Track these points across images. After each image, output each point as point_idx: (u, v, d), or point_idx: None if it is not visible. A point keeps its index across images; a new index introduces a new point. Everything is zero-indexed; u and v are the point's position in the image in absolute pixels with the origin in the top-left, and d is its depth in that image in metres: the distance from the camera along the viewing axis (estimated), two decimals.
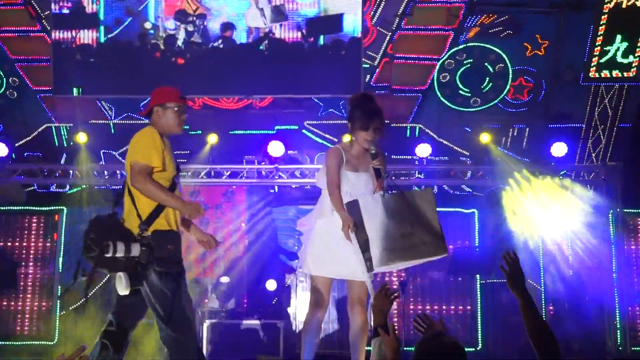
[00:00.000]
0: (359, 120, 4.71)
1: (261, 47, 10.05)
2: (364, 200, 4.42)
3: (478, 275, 10.20)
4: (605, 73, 9.93)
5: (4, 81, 10.76)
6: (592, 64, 9.90)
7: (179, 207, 4.32)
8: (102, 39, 10.24)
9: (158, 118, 4.49)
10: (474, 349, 9.98)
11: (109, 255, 4.11)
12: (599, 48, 9.80)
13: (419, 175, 10.31)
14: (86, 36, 10.24)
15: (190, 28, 10.08)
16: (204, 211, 4.41)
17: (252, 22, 10.09)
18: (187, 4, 10.09)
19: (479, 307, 10.25)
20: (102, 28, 10.24)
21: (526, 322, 3.14)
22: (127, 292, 4.17)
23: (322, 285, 4.73)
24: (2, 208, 10.65)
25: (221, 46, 10.09)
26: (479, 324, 10.21)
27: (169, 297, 4.23)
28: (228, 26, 10.09)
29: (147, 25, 10.26)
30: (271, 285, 9.63)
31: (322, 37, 10.05)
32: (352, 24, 9.92)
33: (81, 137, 10.17)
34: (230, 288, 9.61)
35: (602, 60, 9.88)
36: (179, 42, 10.10)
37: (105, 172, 10.28)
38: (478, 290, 10.29)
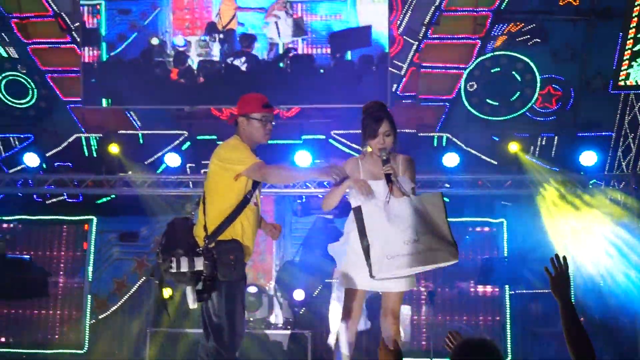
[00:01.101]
0: (368, 128, 4.66)
1: (281, 65, 10.06)
2: (367, 206, 4.37)
3: (507, 286, 10.09)
4: (633, 81, 9.81)
5: (35, 92, 10.91)
6: (622, 72, 9.79)
7: (317, 174, 4.47)
8: (104, 57, 10.30)
9: (243, 128, 4.48)
10: None
11: (174, 270, 4.15)
12: (628, 52, 9.68)
13: (447, 185, 10.23)
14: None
15: (216, 46, 10.10)
16: (340, 171, 4.24)
17: (273, 36, 10.14)
18: (219, 19, 10.15)
19: (507, 318, 10.15)
20: (104, 45, 10.31)
21: (565, 327, 3.10)
22: (195, 306, 4.23)
23: (355, 298, 4.66)
24: (32, 218, 10.78)
25: (243, 67, 10.10)
26: (508, 335, 10.10)
27: (223, 306, 4.21)
28: (249, 38, 10.12)
29: (154, 40, 10.28)
30: (299, 295, 9.62)
31: (349, 52, 10.03)
32: (380, 37, 9.88)
33: (113, 148, 10.28)
34: (258, 298, 9.61)
35: (632, 68, 9.77)
36: (190, 62, 10.11)
37: (134, 182, 10.35)
38: (507, 300, 10.19)
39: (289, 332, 9.14)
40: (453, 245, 4.30)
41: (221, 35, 10.11)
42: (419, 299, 10.24)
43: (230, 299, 4.22)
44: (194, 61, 10.16)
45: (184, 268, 4.14)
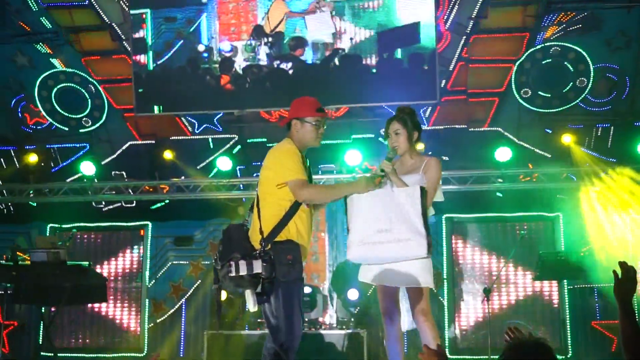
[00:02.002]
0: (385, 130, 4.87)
1: (330, 65, 10.06)
2: (357, 197, 4.50)
3: (565, 281, 9.88)
4: None
5: (89, 102, 11.16)
6: None
7: (352, 190, 4.45)
8: (151, 66, 10.44)
9: (296, 131, 4.54)
10: (563, 357, 9.67)
11: (233, 275, 4.22)
12: None
13: (500, 180, 10.08)
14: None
15: (263, 49, 10.16)
16: (376, 180, 4.39)
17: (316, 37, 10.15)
18: (266, 21, 10.22)
19: (567, 314, 9.92)
20: (150, 54, 10.45)
21: (622, 329, 3.06)
22: (255, 309, 4.29)
23: (383, 295, 4.73)
24: (90, 225, 11.02)
25: (290, 71, 10.13)
26: (568, 331, 9.88)
27: (280, 307, 4.25)
28: (299, 42, 10.15)
29: (200, 47, 10.38)
30: (353, 294, 9.60)
31: (398, 51, 9.97)
32: (427, 33, 9.79)
33: (167, 154, 10.46)
34: (312, 298, 9.62)
35: None
36: (237, 67, 10.19)
37: (188, 187, 10.49)
38: (566, 295, 9.98)
39: (344, 331, 9.12)
40: (424, 237, 4.34)
41: (270, 39, 10.17)
42: (476, 296, 10.10)
43: (288, 299, 4.25)
44: (240, 66, 10.24)
45: (243, 271, 4.18)
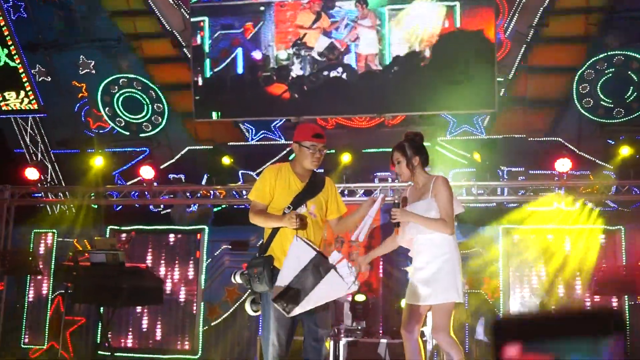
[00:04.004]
0: None
1: (390, 73, 10.05)
2: None
3: (626, 296, 9.61)
4: None
5: (150, 107, 11.40)
6: None
7: (280, 222, 4.65)
8: (208, 74, 10.58)
9: (296, 153, 4.84)
10: None
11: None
12: None
13: (559, 191, 9.89)
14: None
15: (309, 59, 10.22)
16: (297, 220, 4.54)
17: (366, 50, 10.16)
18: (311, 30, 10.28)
19: (627, 330, 9.64)
20: (207, 61, 10.59)
21: None
22: (252, 314, 4.81)
23: (406, 309, 4.93)
24: (148, 228, 11.23)
25: (344, 76, 10.16)
26: (628, 347, 9.60)
27: (262, 317, 4.69)
28: (336, 49, 10.16)
29: (257, 55, 10.48)
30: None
31: (458, 58, 9.86)
32: (487, 41, 9.68)
33: (225, 160, 10.60)
34: (365, 306, 9.59)
35: None
36: (294, 74, 10.26)
37: (244, 192, 10.60)
38: (627, 311, 9.70)
39: (395, 341, 9.06)
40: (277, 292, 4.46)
41: (314, 48, 10.25)
42: (531, 309, 9.91)
43: (264, 309, 4.66)
44: (297, 74, 10.31)
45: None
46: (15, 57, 11.25)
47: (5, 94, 11.43)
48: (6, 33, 11.13)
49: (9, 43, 11.18)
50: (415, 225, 4.83)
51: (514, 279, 10.20)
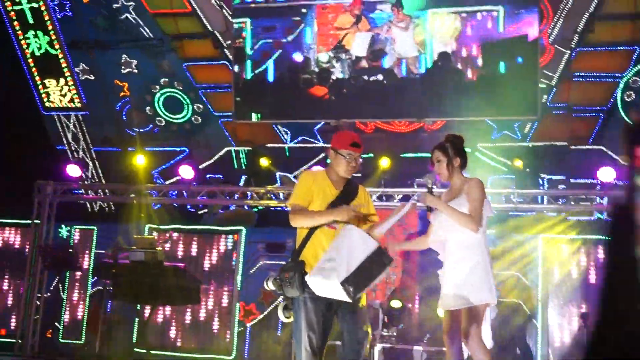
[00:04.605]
0: None
1: (429, 77, 9.98)
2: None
3: None
4: None
5: (190, 108, 11.48)
6: None
7: (329, 217, 4.60)
8: (249, 75, 10.59)
9: (332, 160, 4.84)
10: None
11: (267, 289, 4.74)
12: None
13: (601, 201, 9.72)
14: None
15: (349, 62, 10.20)
16: (353, 212, 4.54)
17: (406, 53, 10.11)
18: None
19: None
20: (249, 63, 10.61)
21: None
22: (284, 320, 4.76)
23: (445, 315, 4.90)
24: (186, 227, 11.31)
25: (385, 82, 10.13)
26: None
27: (294, 322, 4.63)
28: (377, 53, 10.12)
29: (298, 57, 10.47)
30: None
31: (501, 64, 9.76)
32: (530, 46, 9.56)
33: (263, 161, 10.63)
34: (401, 312, 9.54)
35: None
36: (334, 77, 10.24)
37: (281, 194, 10.61)
38: None
39: (432, 348, 9.00)
40: (350, 284, 4.32)
41: (353, 49, 10.22)
42: (571, 319, 9.77)
43: (295, 315, 4.62)
44: (337, 77, 10.30)
45: (268, 287, 4.69)
46: (55, 43, 11.41)
47: (46, 81, 11.63)
48: (50, 27, 11.31)
49: (50, 28, 11.34)
50: (444, 225, 4.80)
51: (553, 288, 10.04)
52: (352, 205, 4.78)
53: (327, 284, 4.40)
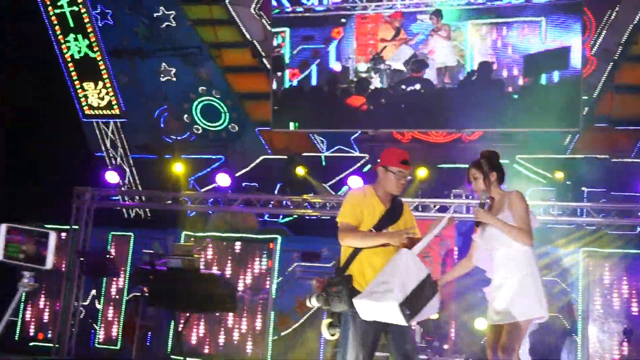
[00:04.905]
0: None
1: (467, 88, 9.90)
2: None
3: None
4: None
5: (227, 116, 11.53)
6: None
7: (382, 240, 4.59)
8: (287, 84, 10.60)
9: (381, 177, 4.81)
10: None
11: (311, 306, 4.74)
12: None
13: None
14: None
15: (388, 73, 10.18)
16: (405, 235, 4.51)
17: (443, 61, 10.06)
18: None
19: None
20: (287, 72, 10.61)
21: None
22: (328, 337, 4.74)
23: (489, 329, 4.88)
24: (222, 235, 11.34)
25: (422, 92, 10.08)
26: None
27: (340, 336, 4.61)
28: (419, 64, 10.07)
29: (337, 67, 10.45)
30: (480, 324, 9.33)
31: (542, 76, 9.65)
32: (573, 58, 9.44)
33: (300, 170, 10.63)
34: (438, 325, 9.44)
35: None
36: (372, 87, 10.21)
37: (317, 204, 10.58)
38: None
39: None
40: (404, 296, 4.28)
41: (393, 60, 10.20)
42: (612, 335, 9.59)
43: (343, 329, 4.59)
44: (376, 87, 10.27)
45: (311, 304, 4.66)
46: (94, 47, 11.54)
47: (84, 84, 11.78)
48: (89, 30, 11.45)
49: (89, 31, 11.47)
50: (489, 241, 4.75)
51: (594, 303, 9.87)
52: (399, 225, 4.75)
53: (380, 307, 4.37)
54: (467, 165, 4.93)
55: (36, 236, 3.61)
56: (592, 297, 9.86)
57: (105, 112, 11.91)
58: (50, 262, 3.53)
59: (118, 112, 11.95)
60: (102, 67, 11.66)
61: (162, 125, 11.97)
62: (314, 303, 4.64)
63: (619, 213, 9.52)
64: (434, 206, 10.14)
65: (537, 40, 9.61)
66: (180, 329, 9.61)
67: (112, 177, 11.22)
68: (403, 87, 10.16)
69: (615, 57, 9.86)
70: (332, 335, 4.66)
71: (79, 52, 11.64)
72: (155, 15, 11.28)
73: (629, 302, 9.75)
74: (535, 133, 10.29)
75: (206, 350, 10.99)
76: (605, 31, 9.85)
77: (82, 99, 11.87)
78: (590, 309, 9.81)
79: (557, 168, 10.08)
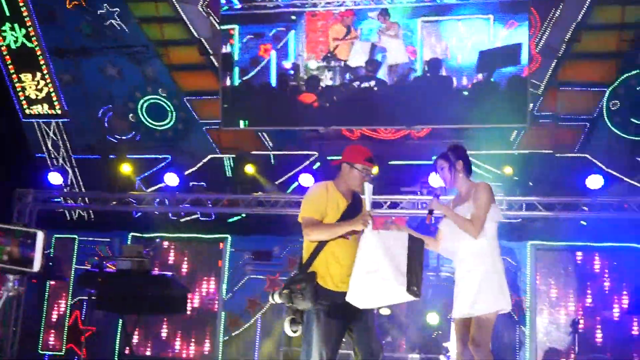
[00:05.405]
0: None
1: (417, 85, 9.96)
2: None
3: None
4: None
5: (174, 114, 11.33)
6: None
7: (348, 227, 4.54)
8: (237, 82, 10.51)
9: (344, 174, 4.78)
10: None
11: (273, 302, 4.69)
12: None
13: (584, 208, 9.79)
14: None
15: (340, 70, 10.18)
16: (370, 219, 4.43)
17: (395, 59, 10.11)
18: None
19: None
20: (236, 69, 10.51)
21: None
22: (290, 334, 4.66)
23: (456, 322, 4.92)
24: (171, 235, 11.16)
25: (375, 89, 10.11)
26: None
27: (304, 334, 4.57)
28: (374, 64, 10.11)
29: (287, 64, 10.41)
30: (433, 318, 9.42)
31: (491, 72, 9.76)
32: (523, 54, 9.61)
33: (249, 168, 10.53)
34: (390, 321, 9.49)
35: None
36: (323, 84, 10.20)
37: (268, 202, 10.51)
38: None
39: (421, 356, 8.96)
40: (410, 282, 4.26)
41: (350, 61, 10.20)
42: (560, 327, 9.81)
43: (306, 327, 4.55)
44: (327, 84, 10.24)
45: (274, 300, 4.62)
46: (32, 38, 11.16)
47: (22, 75, 11.38)
48: (27, 21, 11.07)
49: (27, 21, 11.07)
50: (455, 232, 4.79)
51: (542, 295, 10.08)
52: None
53: (383, 294, 4.33)
54: (416, 162, 4.99)
55: (22, 236, 3.37)
56: (540, 289, 10.07)
57: (45, 107, 11.49)
58: (38, 264, 3.32)
59: (60, 112, 11.62)
60: (42, 61, 11.27)
61: (106, 125, 11.67)
62: (276, 300, 4.58)
63: (564, 207, 9.76)
64: (385, 203, 10.19)
65: (485, 37, 9.74)
66: (129, 332, 9.41)
67: (54, 178, 10.93)
68: (355, 84, 10.15)
69: (559, 55, 10.07)
70: (294, 332, 4.59)
71: (16, 42, 11.22)
72: (99, 12, 10.99)
73: (577, 294, 10.00)
74: (482, 129, 10.42)
75: (154, 354, 10.80)
76: (549, 29, 10.04)
77: (20, 93, 11.46)
78: (538, 302, 10.02)
79: (503, 164, 10.24)
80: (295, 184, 10.60)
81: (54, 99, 11.48)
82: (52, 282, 11.04)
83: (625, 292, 9.22)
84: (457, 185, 4.96)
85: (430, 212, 4.85)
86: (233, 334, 10.65)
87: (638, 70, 9.84)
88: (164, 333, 10.87)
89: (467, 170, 4.98)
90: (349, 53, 10.17)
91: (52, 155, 12.02)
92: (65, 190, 11.39)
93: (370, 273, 4.30)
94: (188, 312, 10.25)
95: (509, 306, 4.73)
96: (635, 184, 9.97)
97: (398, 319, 9.80)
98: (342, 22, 10.17)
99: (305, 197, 4.76)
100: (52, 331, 11.10)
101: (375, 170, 9.84)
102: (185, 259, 11.15)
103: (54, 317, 11.12)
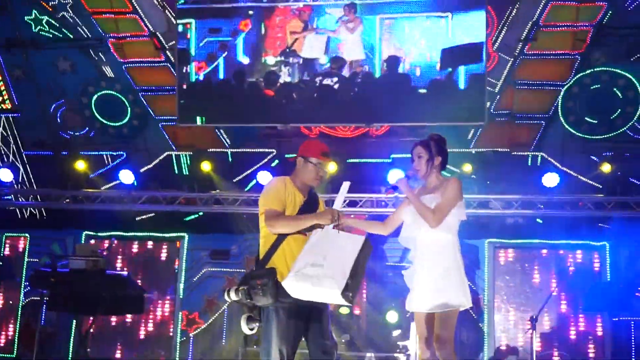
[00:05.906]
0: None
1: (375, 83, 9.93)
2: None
3: (609, 313, 9.65)
4: None
5: (129, 111, 11.10)
6: None
7: (314, 220, 4.47)
8: (193, 78, 10.36)
9: (299, 168, 4.74)
10: None
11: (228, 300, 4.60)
12: None
13: (540, 206, 9.91)
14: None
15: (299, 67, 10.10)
16: (337, 215, 4.40)
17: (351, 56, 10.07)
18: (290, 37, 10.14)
19: (610, 347, 9.68)
20: (192, 65, 10.37)
21: None
22: (247, 332, 4.59)
23: (417, 319, 4.85)
24: (127, 234, 10.94)
25: (335, 86, 10.04)
26: None
27: (262, 331, 4.51)
28: (339, 61, 10.06)
29: (245, 60, 10.28)
30: (392, 317, 9.43)
31: (449, 70, 9.77)
32: (479, 52, 9.66)
33: (205, 166, 10.38)
34: (349, 319, 9.46)
35: None
36: (282, 80, 10.11)
37: (226, 200, 10.38)
38: (609, 328, 9.74)
39: (379, 355, 8.96)
40: (348, 288, 4.20)
41: (298, 60, 10.13)
42: (517, 324, 9.92)
43: (265, 325, 4.49)
44: (285, 80, 10.15)
45: (230, 298, 4.52)
46: None
47: None
48: None
49: None
50: (416, 222, 4.76)
51: (500, 294, 10.17)
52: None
53: (317, 291, 4.24)
54: (375, 160, 4.91)
55: None
56: (498, 287, 10.16)
57: None
58: None
59: (10, 107, 11.29)
60: None
61: (59, 120, 11.38)
62: (232, 297, 4.48)
63: (521, 205, 9.86)
64: (345, 201, 10.12)
65: (443, 34, 9.75)
66: (85, 334, 9.18)
67: (5, 175, 10.64)
68: (315, 81, 10.07)
69: (516, 53, 10.15)
70: (251, 330, 4.52)
71: None
72: (51, 4, 10.69)
73: (534, 291, 10.11)
74: (440, 127, 10.41)
75: (110, 355, 10.60)
76: (506, 28, 10.12)
77: None
78: (496, 299, 10.10)
79: (461, 162, 10.29)
80: (254, 181, 10.49)
81: (3, 92, 11.16)
82: (3, 283, 10.73)
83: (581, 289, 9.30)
84: (427, 178, 4.92)
85: (395, 188, 4.85)
86: (191, 334, 10.50)
87: (592, 70, 9.97)
88: (119, 334, 10.65)
89: (442, 167, 4.97)
90: (302, 45, 10.08)
91: (2, 151, 11.67)
92: (16, 187, 11.10)
93: (315, 266, 4.25)
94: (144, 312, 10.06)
95: (469, 303, 4.71)
96: (590, 182, 10.10)
97: (357, 317, 9.77)
98: (299, 17, 10.08)
99: (264, 190, 4.67)
100: (3, 332, 10.80)
101: (331, 165, 9.90)
102: (141, 257, 10.93)
103: (4, 319, 10.81)
